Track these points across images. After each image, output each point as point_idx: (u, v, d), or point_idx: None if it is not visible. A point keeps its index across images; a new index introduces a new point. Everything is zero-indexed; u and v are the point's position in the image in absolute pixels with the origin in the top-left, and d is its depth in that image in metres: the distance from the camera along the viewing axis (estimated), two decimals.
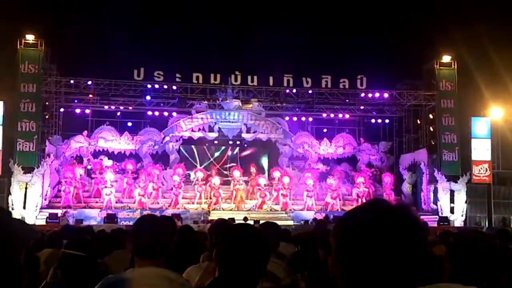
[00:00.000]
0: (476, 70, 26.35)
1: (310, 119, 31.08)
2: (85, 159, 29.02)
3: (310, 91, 28.57)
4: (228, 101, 29.03)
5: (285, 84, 28.13)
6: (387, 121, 31.66)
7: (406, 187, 30.08)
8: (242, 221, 15.77)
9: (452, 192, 27.29)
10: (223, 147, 31.11)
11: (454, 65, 28.34)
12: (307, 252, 5.31)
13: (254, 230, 2.73)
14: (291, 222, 23.85)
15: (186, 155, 30.86)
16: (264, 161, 31.55)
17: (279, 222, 7.92)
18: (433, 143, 28.65)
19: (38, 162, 25.04)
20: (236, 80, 27.98)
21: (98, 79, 27.35)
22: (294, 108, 29.80)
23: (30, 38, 26.17)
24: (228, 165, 30.28)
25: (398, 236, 1.34)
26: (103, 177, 27.25)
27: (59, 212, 24.14)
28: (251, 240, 2.51)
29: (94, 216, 25.21)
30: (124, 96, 28.01)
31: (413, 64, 29.52)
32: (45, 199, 26.04)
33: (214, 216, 23.79)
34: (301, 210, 27.48)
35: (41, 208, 25.12)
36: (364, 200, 20.56)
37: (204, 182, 27.96)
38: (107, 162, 28.56)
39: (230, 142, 30.79)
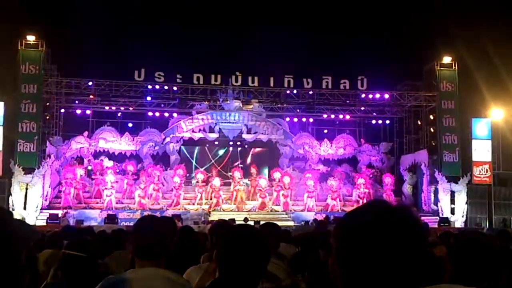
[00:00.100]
0: (476, 71, 26.35)
1: (311, 120, 31.10)
2: (86, 159, 29.03)
3: (310, 92, 28.57)
4: (228, 102, 29.03)
5: (285, 85, 28.15)
6: (387, 122, 31.68)
7: (407, 188, 30.06)
8: (243, 222, 15.77)
9: (452, 193, 27.28)
10: (225, 148, 31.10)
11: (455, 66, 28.33)
12: (307, 252, 5.31)
13: (255, 231, 2.73)
14: (291, 223, 23.83)
15: (188, 155, 30.87)
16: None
17: (279, 223, 7.92)
18: (433, 144, 28.64)
19: (38, 163, 25.04)
20: (236, 81, 28.01)
21: (99, 79, 27.37)
22: (294, 109, 29.80)
23: (31, 39, 26.19)
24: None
25: (399, 237, 1.34)
26: (104, 179, 27.26)
27: (60, 212, 24.16)
28: (251, 241, 2.51)
29: (94, 217, 25.22)
30: (124, 96, 28.03)
31: (413, 65, 29.54)
32: (46, 200, 26.05)
33: (215, 217, 23.80)
34: (301, 211, 27.48)
35: (42, 208, 25.13)
36: (364, 201, 20.57)
37: (204, 183, 27.96)
38: (107, 163, 28.58)
39: (231, 143, 30.80)
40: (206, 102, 29.40)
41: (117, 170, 28.39)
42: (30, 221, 22.66)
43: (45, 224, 21.66)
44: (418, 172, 29.58)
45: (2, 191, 24.85)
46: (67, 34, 28.01)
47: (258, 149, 31.43)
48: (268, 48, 29.60)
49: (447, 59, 28.52)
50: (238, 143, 30.84)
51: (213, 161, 30.67)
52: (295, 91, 28.55)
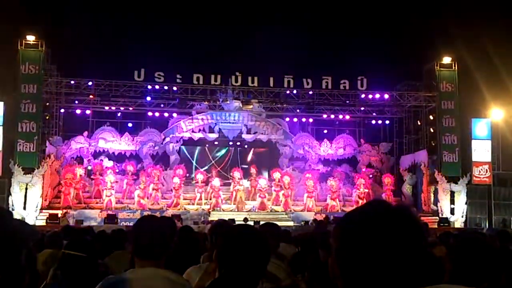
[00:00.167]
0: (476, 71, 26.36)
1: (311, 120, 31.10)
2: (86, 159, 29.03)
3: (310, 92, 28.57)
4: (228, 102, 29.02)
5: (285, 85, 28.14)
6: (387, 122, 31.67)
7: (406, 188, 30.07)
8: (242, 222, 15.77)
9: (452, 193, 27.28)
10: (225, 148, 31.09)
11: (455, 66, 28.32)
12: (307, 253, 5.31)
13: (254, 231, 2.73)
14: (291, 223, 23.83)
15: (188, 156, 30.87)
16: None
17: (279, 223, 7.91)
18: (433, 144, 28.64)
19: (38, 163, 25.03)
20: (236, 81, 27.99)
21: (99, 79, 27.36)
22: (294, 109, 29.80)
23: (30, 39, 26.18)
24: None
25: (399, 237, 1.34)
26: (104, 179, 27.26)
27: (59, 212, 24.15)
28: (251, 241, 2.51)
29: (94, 217, 25.21)
30: (124, 97, 28.02)
31: (413, 65, 29.55)
32: (45, 200, 26.04)
33: (214, 217, 23.82)
34: (301, 211, 27.47)
35: (41, 208, 25.12)
36: (364, 201, 20.54)
37: (204, 183, 27.96)
38: (107, 163, 28.59)
39: (231, 143, 30.80)
40: (206, 102, 29.38)
41: (117, 170, 28.39)
42: (30, 221, 22.63)
43: (44, 224, 21.66)
44: (418, 172, 29.58)
45: (2, 191, 24.85)
46: (67, 34, 28.02)
47: (258, 149, 31.43)
48: (268, 48, 29.61)
49: (447, 59, 28.51)
50: (238, 143, 30.83)
51: (213, 161, 30.66)
52: (295, 91, 28.54)
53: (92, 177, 27.99)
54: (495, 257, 2.73)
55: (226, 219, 13.52)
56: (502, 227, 23.41)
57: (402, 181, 30.26)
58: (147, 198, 27.21)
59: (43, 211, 24.97)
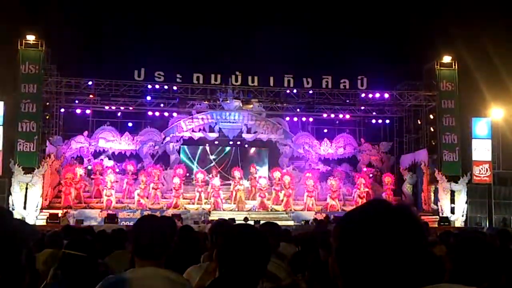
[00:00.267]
0: (476, 71, 26.35)
1: (311, 119, 31.10)
2: (86, 159, 29.04)
3: (310, 92, 28.55)
4: (228, 101, 29.02)
5: (285, 84, 28.12)
6: (387, 121, 31.68)
7: (407, 188, 30.07)
8: (243, 222, 15.78)
9: (452, 193, 27.28)
10: (225, 148, 31.08)
11: (455, 65, 28.32)
12: (307, 252, 5.30)
13: (255, 230, 2.73)
14: (291, 222, 23.85)
15: (188, 155, 30.87)
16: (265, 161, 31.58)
17: (279, 222, 7.93)
18: (433, 143, 28.63)
19: (38, 163, 25.04)
20: (236, 81, 27.97)
21: (99, 79, 27.35)
22: (294, 109, 29.79)
23: (30, 38, 26.18)
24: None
25: (399, 236, 1.34)
26: (104, 178, 27.27)
27: (60, 212, 24.15)
28: (251, 240, 2.50)
29: (94, 217, 25.23)
30: (124, 96, 28.01)
31: (413, 64, 29.55)
32: (46, 200, 26.05)
33: (215, 216, 23.83)
34: (301, 210, 27.49)
35: (42, 208, 25.13)
36: (364, 201, 20.50)
37: (204, 183, 27.96)
38: (107, 162, 28.60)
39: (231, 143, 30.80)
40: (206, 102, 29.38)
41: (117, 170, 28.39)
42: (30, 220, 22.64)
43: (45, 223, 21.67)
44: (418, 171, 29.59)
45: (2, 190, 24.86)
46: (67, 34, 28.01)
47: (258, 149, 31.43)
48: (268, 48, 29.62)
49: (447, 59, 28.51)
50: (238, 142, 30.84)
51: (213, 162, 30.65)
52: (295, 91, 28.53)
53: (92, 176, 28.00)
54: (496, 256, 2.73)
55: (226, 218, 13.52)
56: (502, 226, 23.42)
57: (402, 181, 30.27)
58: (147, 197, 27.22)
59: (43, 210, 24.98)
